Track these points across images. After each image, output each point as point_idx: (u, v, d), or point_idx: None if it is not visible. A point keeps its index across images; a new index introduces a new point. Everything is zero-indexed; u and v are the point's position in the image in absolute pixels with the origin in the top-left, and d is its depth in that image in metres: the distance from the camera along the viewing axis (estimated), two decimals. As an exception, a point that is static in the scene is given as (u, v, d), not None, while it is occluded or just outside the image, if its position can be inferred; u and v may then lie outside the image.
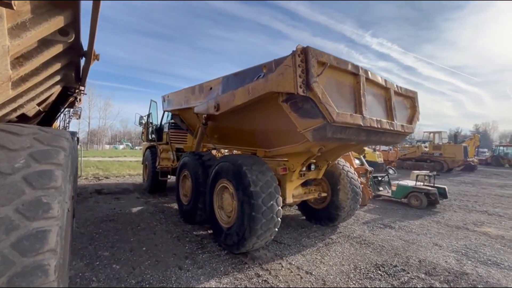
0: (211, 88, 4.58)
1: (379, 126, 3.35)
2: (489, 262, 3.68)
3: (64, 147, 1.81)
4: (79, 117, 8.44)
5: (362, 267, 3.39)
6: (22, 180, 1.49)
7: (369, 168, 7.22)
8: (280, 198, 3.52)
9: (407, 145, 21.48)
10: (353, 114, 3.05)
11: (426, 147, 20.53)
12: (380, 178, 8.23)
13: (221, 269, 3.21)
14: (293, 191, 4.36)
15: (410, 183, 7.35)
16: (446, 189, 7.27)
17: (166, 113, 8.12)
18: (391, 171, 8.14)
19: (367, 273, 3.22)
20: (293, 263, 3.45)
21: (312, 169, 4.44)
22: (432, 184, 7.32)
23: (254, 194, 3.29)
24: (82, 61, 3.03)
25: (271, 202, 3.37)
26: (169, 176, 7.83)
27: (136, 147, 69.47)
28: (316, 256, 3.67)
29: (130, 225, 4.75)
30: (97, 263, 3.25)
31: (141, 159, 10.34)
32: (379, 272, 3.27)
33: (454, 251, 4.04)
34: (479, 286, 3.02)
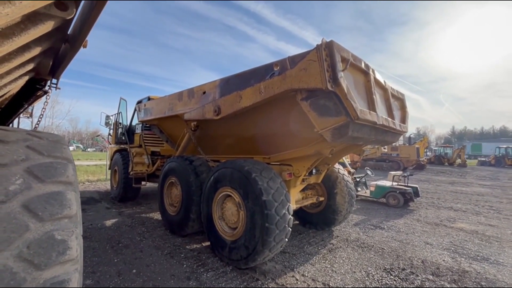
0: (204, 92, 4.17)
1: (387, 125, 3.35)
2: (478, 258, 3.94)
3: (69, 158, 1.35)
4: (31, 116, 7.13)
5: (373, 273, 3.34)
6: (23, 209, 1.02)
7: (352, 170, 7.43)
8: (291, 206, 3.30)
9: (369, 147, 23.02)
10: (371, 111, 2.98)
11: (385, 148, 22.29)
12: (358, 179, 8.54)
13: (233, 289, 2.87)
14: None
15: (387, 183, 7.74)
16: (418, 188, 7.83)
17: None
18: (369, 172, 8.50)
19: (381, 279, 3.18)
20: (306, 274, 3.25)
21: (313, 174, 4.31)
22: (406, 184, 7.82)
23: (267, 204, 3.02)
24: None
25: (283, 211, 3.14)
26: (143, 183, 7.09)
27: (89, 149, 63.04)
28: (325, 265, 3.53)
29: (108, 242, 4.08)
30: (80, 295, 2.65)
31: (100, 162, 9.25)
32: (392, 277, 3.25)
33: (445, 248, 4.26)
34: (485, 286, 3.18)
